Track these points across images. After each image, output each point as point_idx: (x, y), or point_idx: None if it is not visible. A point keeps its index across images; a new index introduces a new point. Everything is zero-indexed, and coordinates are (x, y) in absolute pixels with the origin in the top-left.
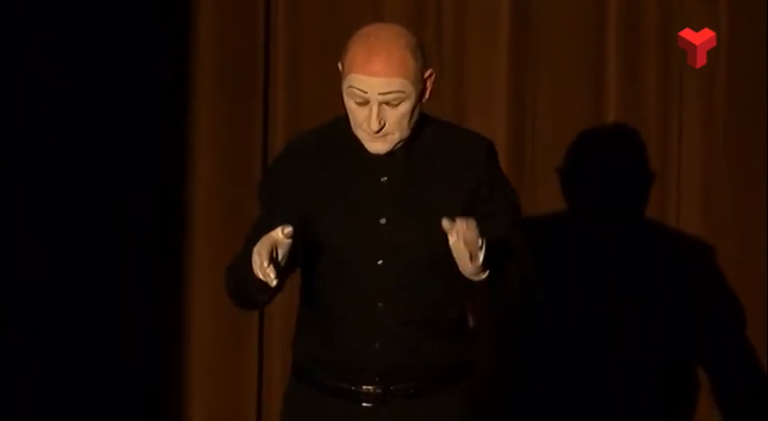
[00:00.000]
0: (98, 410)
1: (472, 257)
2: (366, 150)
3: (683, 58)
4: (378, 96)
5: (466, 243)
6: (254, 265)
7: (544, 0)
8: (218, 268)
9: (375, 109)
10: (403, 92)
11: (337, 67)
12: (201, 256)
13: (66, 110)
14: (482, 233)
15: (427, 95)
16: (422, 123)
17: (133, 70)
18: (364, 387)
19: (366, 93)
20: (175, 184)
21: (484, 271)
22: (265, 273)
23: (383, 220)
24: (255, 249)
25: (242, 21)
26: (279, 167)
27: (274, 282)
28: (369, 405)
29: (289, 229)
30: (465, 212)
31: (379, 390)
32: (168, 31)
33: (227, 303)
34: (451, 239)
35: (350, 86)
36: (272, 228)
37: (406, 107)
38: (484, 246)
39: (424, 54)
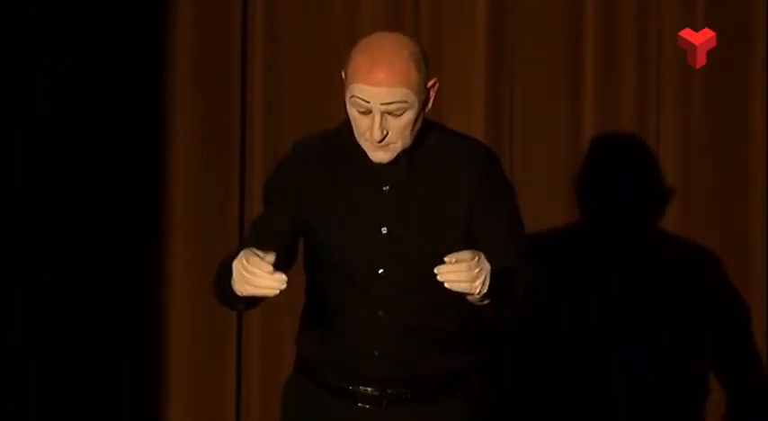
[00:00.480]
0: (77, 410)
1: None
2: (368, 159)
3: (659, 57)
4: (380, 106)
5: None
6: (235, 276)
7: None
8: (196, 268)
9: (377, 119)
10: (405, 102)
11: (315, 66)
12: (179, 257)
13: (43, 110)
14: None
15: (430, 104)
16: (424, 130)
17: (110, 71)
18: (362, 387)
19: (368, 102)
20: (153, 185)
21: (485, 299)
22: (271, 280)
23: (384, 230)
24: (238, 265)
25: (219, 21)
26: (284, 170)
27: (278, 289)
28: (366, 406)
29: (271, 257)
30: (465, 223)
31: (375, 393)
32: (145, 31)
33: (206, 303)
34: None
35: (352, 96)
36: (272, 228)
37: (408, 117)
38: (487, 281)
39: (428, 63)
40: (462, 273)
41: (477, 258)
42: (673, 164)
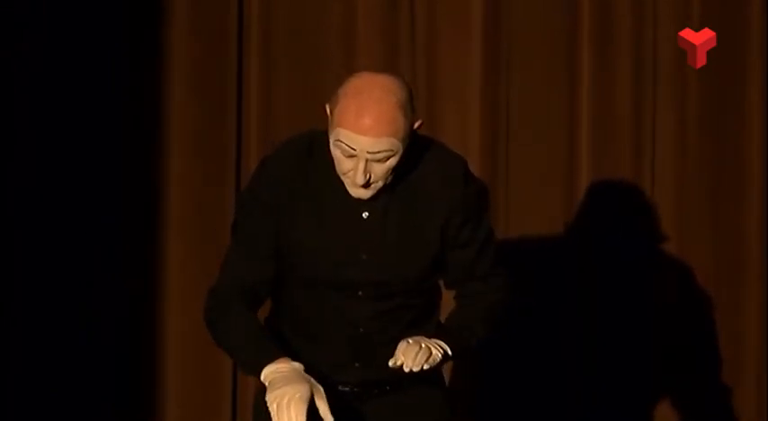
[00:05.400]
0: (72, 410)
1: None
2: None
3: (655, 57)
4: (366, 154)
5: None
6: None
7: None
8: (191, 269)
9: (362, 165)
10: (391, 150)
11: (311, 66)
12: (175, 258)
13: (39, 114)
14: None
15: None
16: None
17: (105, 71)
18: (341, 387)
19: (354, 149)
20: (149, 186)
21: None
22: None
23: (364, 256)
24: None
25: (215, 25)
26: (261, 193)
27: None
28: (345, 401)
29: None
30: (438, 244)
31: (356, 389)
32: (141, 35)
33: (201, 304)
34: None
35: (338, 140)
36: (263, 244)
37: (392, 162)
38: (432, 344)
39: (413, 104)
40: (420, 355)
41: (409, 339)
42: (668, 163)
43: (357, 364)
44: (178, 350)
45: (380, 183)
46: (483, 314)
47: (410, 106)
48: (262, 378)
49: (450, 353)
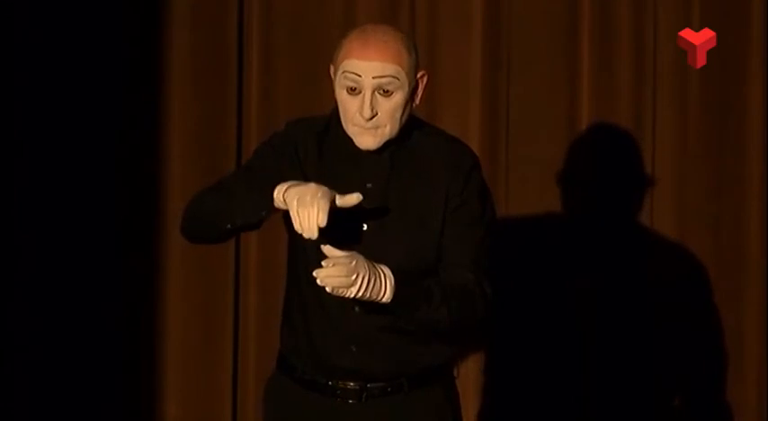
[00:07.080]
0: (73, 408)
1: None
2: (354, 154)
3: (655, 57)
4: (372, 81)
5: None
6: (297, 192)
7: None
8: (193, 267)
9: (368, 95)
10: (397, 78)
11: (311, 65)
12: (175, 255)
13: (40, 111)
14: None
15: (418, 100)
16: (411, 128)
17: (105, 71)
18: (341, 383)
19: (360, 76)
20: (150, 183)
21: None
22: (310, 225)
23: (365, 227)
24: (313, 190)
25: (215, 19)
26: (277, 148)
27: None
28: (347, 401)
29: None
30: (438, 226)
31: (356, 387)
32: (141, 30)
33: (202, 301)
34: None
35: (344, 71)
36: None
37: (398, 98)
38: (366, 283)
39: (418, 55)
40: (339, 278)
41: (354, 262)
42: (668, 162)
43: (354, 348)
44: (178, 350)
45: (387, 129)
46: (444, 300)
47: (414, 49)
48: (275, 196)
49: (381, 299)
